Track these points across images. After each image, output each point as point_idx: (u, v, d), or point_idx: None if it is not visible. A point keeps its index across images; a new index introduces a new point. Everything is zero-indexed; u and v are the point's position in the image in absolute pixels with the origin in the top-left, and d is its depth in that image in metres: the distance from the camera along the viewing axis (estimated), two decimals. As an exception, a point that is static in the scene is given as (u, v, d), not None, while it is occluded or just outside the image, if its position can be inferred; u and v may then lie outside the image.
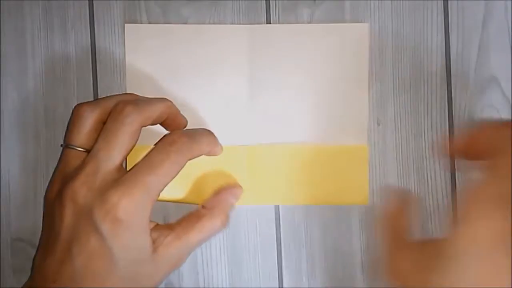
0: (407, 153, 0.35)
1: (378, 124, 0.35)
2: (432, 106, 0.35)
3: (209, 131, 0.32)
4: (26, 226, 0.35)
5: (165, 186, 0.29)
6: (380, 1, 0.35)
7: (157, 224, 0.30)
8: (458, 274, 0.21)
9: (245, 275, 0.35)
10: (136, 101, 0.30)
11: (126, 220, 0.28)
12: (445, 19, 0.35)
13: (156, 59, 0.34)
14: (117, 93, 0.34)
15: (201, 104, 0.34)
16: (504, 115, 0.34)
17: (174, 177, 0.29)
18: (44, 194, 0.31)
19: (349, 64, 0.34)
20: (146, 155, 0.29)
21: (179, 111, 0.32)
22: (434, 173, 0.35)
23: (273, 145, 0.34)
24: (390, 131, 0.35)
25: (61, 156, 0.31)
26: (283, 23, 0.35)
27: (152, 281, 0.30)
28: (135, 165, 0.29)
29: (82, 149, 0.30)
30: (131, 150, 0.30)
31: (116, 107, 0.30)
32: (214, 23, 0.35)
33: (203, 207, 0.32)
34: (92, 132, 0.30)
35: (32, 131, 0.35)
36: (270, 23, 0.35)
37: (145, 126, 0.30)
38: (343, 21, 0.35)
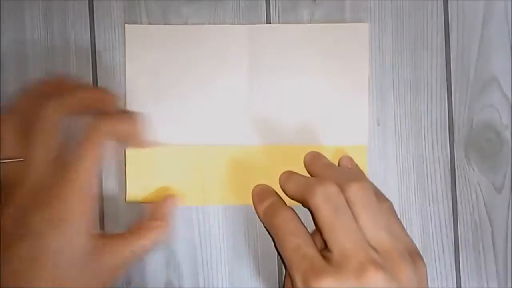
0: (407, 153, 0.35)
1: (378, 124, 0.35)
2: (432, 106, 0.35)
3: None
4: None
5: (94, 177, 0.29)
6: (380, 1, 0.35)
7: (101, 233, 0.31)
8: None
9: (245, 275, 0.35)
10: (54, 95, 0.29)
11: (65, 220, 0.27)
12: (445, 19, 0.35)
13: (156, 60, 0.34)
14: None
15: (200, 104, 0.34)
16: (504, 115, 0.34)
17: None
18: None
19: (349, 64, 0.34)
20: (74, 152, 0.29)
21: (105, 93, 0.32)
22: (434, 173, 0.35)
23: (271, 145, 0.34)
24: (390, 131, 0.35)
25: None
26: (283, 23, 0.35)
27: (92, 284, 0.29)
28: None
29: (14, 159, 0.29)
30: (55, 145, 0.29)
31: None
32: (214, 23, 0.35)
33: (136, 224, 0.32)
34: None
35: (32, 131, 0.35)
36: (270, 23, 0.35)
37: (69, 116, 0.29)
38: (343, 21, 0.35)
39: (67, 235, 0.28)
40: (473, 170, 0.35)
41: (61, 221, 0.27)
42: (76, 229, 0.28)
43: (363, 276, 0.26)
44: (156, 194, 0.34)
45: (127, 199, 0.34)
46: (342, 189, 0.28)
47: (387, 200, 0.31)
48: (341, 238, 0.27)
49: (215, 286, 0.35)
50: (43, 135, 0.29)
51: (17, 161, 0.29)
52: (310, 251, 0.27)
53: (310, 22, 0.35)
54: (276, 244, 0.29)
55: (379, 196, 0.31)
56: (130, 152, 0.34)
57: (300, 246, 0.28)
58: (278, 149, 0.34)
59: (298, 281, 0.27)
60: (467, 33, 0.35)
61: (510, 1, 0.35)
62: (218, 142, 0.34)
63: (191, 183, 0.34)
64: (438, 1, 0.35)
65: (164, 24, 0.35)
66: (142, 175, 0.34)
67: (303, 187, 0.29)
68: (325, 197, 0.28)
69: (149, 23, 0.35)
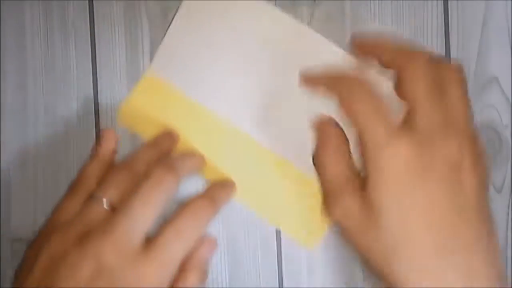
0: (407, 153, 0.35)
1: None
2: (432, 106, 0.35)
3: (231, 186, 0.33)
4: (26, 226, 0.35)
5: (187, 252, 0.29)
6: (380, 1, 0.35)
7: None
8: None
9: (245, 275, 0.35)
10: (173, 164, 0.30)
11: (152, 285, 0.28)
12: (445, 19, 0.35)
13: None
14: (144, 149, 0.33)
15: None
16: (504, 115, 0.34)
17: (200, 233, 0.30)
18: (41, 227, 0.30)
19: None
20: (173, 221, 0.29)
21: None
22: (434, 173, 0.35)
23: (278, 156, 0.34)
24: (390, 131, 0.35)
25: (82, 206, 0.30)
26: (283, 23, 0.35)
27: None
28: (162, 231, 0.29)
29: (106, 206, 0.29)
30: (159, 215, 0.29)
31: (157, 172, 0.29)
32: (214, 23, 0.35)
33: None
34: (123, 190, 0.30)
35: (32, 131, 0.35)
36: (270, 23, 0.35)
37: None
38: (343, 21, 0.35)
39: None
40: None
41: (152, 285, 0.28)
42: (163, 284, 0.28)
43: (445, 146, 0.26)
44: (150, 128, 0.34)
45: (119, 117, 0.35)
46: (438, 67, 0.27)
47: None
48: (431, 113, 0.26)
49: (215, 286, 0.35)
50: (159, 202, 0.29)
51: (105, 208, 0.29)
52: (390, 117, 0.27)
53: (310, 22, 0.35)
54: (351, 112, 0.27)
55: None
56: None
57: (380, 107, 0.27)
58: (284, 164, 0.34)
59: (378, 136, 0.26)
60: (467, 33, 0.35)
61: (510, 1, 0.35)
62: (233, 121, 0.34)
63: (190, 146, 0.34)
64: (438, 1, 0.35)
65: (164, 23, 0.35)
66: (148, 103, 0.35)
67: (402, 53, 0.28)
68: (426, 69, 0.27)
69: (149, 23, 0.35)
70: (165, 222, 0.29)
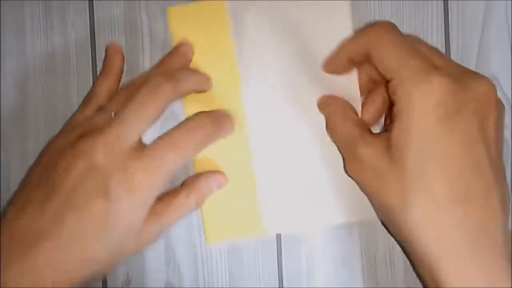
0: (407, 153, 0.35)
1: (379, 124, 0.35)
2: (432, 106, 0.35)
3: (227, 112, 0.32)
4: (26, 226, 0.35)
5: (182, 165, 0.30)
6: (380, 1, 0.35)
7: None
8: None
9: (245, 275, 0.35)
10: (173, 74, 0.31)
11: (138, 192, 0.28)
12: (445, 19, 0.35)
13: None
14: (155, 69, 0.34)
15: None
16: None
17: (195, 156, 0.30)
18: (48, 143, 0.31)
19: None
20: (170, 132, 0.30)
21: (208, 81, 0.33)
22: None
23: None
24: (390, 131, 0.35)
25: (90, 116, 0.31)
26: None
27: (127, 254, 0.30)
28: (157, 140, 0.29)
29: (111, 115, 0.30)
30: (154, 122, 0.30)
31: (154, 80, 0.30)
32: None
33: (182, 184, 0.33)
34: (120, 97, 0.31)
35: (32, 130, 0.35)
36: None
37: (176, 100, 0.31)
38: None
39: (139, 202, 0.29)
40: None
41: (140, 189, 0.28)
42: (149, 198, 0.29)
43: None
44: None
45: None
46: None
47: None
48: (452, 63, 0.29)
49: (215, 286, 0.35)
50: (155, 109, 0.30)
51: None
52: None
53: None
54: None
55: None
56: None
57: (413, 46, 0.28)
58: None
59: (413, 75, 0.26)
60: (467, 33, 0.35)
61: (510, 1, 0.35)
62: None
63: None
64: (438, 1, 0.35)
65: (164, 23, 0.35)
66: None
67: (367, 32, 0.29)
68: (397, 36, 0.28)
69: (149, 23, 0.35)
70: (164, 133, 0.30)
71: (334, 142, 0.32)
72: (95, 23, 0.35)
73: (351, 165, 0.29)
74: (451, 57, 0.34)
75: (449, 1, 0.35)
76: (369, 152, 0.28)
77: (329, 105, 0.32)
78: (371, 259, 0.34)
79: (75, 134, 0.30)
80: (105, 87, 0.33)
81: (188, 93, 0.32)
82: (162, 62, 0.34)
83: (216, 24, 0.34)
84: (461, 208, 0.25)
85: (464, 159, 0.25)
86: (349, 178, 0.31)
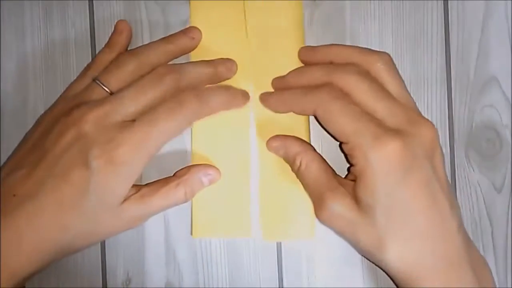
0: (407, 153, 0.35)
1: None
2: (432, 106, 0.35)
3: (225, 88, 0.33)
4: (26, 226, 0.35)
5: (165, 143, 0.30)
6: (380, 1, 0.35)
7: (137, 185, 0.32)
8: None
9: (245, 275, 0.35)
10: (180, 69, 0.32)
11: (120, 165, 0.29)
12: (445, 19, 0.35)
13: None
14: (158, 42, 0.34)
15: None
16: (504, 115, 0.34)
17: (178, 135, 0.31)
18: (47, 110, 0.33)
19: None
20: (155, 108, 0.30)
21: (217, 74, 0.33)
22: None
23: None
24: (390, 131, 0.35)
25: (86, 86, 0.32)
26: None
27: (102, 232, 0.31)
28: (142, 115, 0.30)
29: (108, 90, 0.31)
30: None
31: (160, 70, 0.31)
32: (214, 23, 0.35)
33: (174, 174, 0.33)
34: (125, 79, 0.32)
35: (32, 131, 0.35)
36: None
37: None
38: (343, 21, 0.35)
39: (120, 176, 0.29)
40: (473, 169, 0.35)
41: (121, 163, 0.29)
42: (130, 174, 0.30)
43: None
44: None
45: None
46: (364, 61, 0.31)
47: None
48: (392, 111, 0.30)
49: (215, 286, 0.35)
50: (152, 97, 0.30)
51: (106, 90, 0.31)
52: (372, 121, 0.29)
53: (310, 22, 0.35)
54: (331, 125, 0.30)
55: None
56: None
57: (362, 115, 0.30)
58: None
59: (368, 142, 0.29)
60: (467, 33, 0.35)
61: (510, 1, 0.35)
62: None
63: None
64: (438, 1, 0.35)
65: (164, 23, 0.35)
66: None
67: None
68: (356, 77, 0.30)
69: (149, 23, 0.35)
70: (150, 109, 0.30)
71: (304, 185, 0.32)
72: (95, 23, 0.35)
73: (323, 214, 0.30)
74: (451, 57, 0.35)
75: (449, 1, 0.35)
76: (339, 206, 0.30)
77: (291, 145, 0.32)
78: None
79: (71, 104, 0.31)
80: (106, 59, 0.33)
81: (190, 86, 0.32)
82: (168, 39, 0.34)
83: (234, 21, 0.34)
84: (425, 239, 0.29)
85: (424, 199, 0.29)
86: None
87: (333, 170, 0.32)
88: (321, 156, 0.32)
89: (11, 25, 0.35)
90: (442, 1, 0.35)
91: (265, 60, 0.34)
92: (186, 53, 0.34)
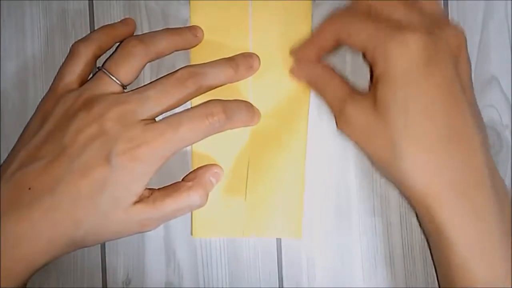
0: (407, 153, 0.35)
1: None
2: (432, 106, 0.35)
3: (248, 104, 0.33)
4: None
5: (182, 149, 0.31)
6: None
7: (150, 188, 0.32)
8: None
9: (245, 275, 0.35)
10: (201, 71, 0.32)
11: (139, 163, 0.29)
12: (445, 19, 0.35)
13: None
14: (164, 31, 0.34)
15: None
16: (504, 115, 0.34)
17: (196, 142, 0.31)
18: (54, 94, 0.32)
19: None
20: (181, 113, 0.30)
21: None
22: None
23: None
24: (390, 131, 0.35)
25: (94, 76, 0.32)
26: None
27: (114, 229, 0.31)
28: (167, 117, 0.30)
29: (119, 82, 0.31)
30: (171, 110, 0.31)
31: (183, 73, 0.31)
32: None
33: (183, 179, 0.33)
34: (133, 68, 0.32)
35: (32, 131, 0.35)
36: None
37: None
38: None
39: (137, 175, 0.30)
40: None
41: (140, 162, 0.29)
42: (146, 173, 0.30)
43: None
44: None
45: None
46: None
47: None
48: (418, 14, 0.29)
49: (215, 286, 0.35)
50: (171, 99, 0.31)
51: (118, 83, 0.32)
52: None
53: (311, 22, 0.35)
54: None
55: None
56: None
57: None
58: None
59: (386, 38, 0.28)
60: (467, 33, 0.34)
61: (510, 1, 0.35)
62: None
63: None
64: (438, 1, 0.35)
65: (164, 23, 0.35)
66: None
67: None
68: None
69: (149, 23, 0.35)
70: (176, 113, 0.31)
71: (324, 101, 0.32)
72: (95, 23, 0.35)
73: (342, 123, 0.30)
74: (451, 57, 0.35)
75: (449, 1, 0.35)
76: (358, 111, 0.29)
77: (311, 68, 0.32)
78: (371, 259, 0.34)
79: (85, 95, 0.31)
80: (99, 41, 0.33)
81: (210, 89, 0.32)
82: (175, 30, 0.34)
83: (236, 21, 0.34)
84: (445, 149, 0.27)
85: (445, 101, 0.27)
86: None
87: (343, 80, 0.32)
88: (339, 74, 0.32)
89: (11, 25, 0.35)
90: (442, 1, 0.35)
91: (265, 61, 0.34)
92: (187, 49, 0.34)
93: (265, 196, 0.34)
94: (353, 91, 0.31)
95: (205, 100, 0.31)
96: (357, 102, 0.30)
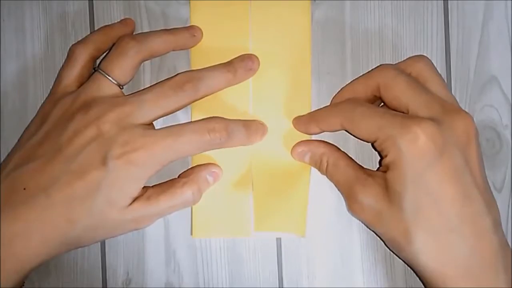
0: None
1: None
2: (432, 106, 0.35)
3: (246, 125, 0.33)
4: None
5: (177, 159, 0.31)
6: (380, 1, 0.35)
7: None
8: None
9: (245, 275, 0.35)
10: (199, 75, 0.32)
11: (135, 167, 0.29)
12: (445, 19, 0.35)
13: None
14: (160, 31, 0.34)
15: None
16: (504, 115, 0.34)
17: (193, 155, 0.32)
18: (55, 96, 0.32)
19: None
20: (184, 125, 0.31)
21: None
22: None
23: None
24: (390, 131, 0.35)
25: (90, 77, 0.32)
26: (283, 23, 0.35)
27: (109, 228, 0.31)
28: (169, 127, 0.31)
29: (115, 82, 0.32)
30: (168, 114, 0.32)
31: (181, 77, 0.31)
32: (214, 23, 0.35)
33: (179, 176, 0.33)
34: (128, 66, 0.32)
35: (32, 131, 0.35)
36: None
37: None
38: (343, 21, 0.35)
39: (132, 178, 0.30)
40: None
41: (136, 165, 0.29)
42: (142, 176, 0.30)
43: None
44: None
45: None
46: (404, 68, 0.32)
47: None
48: (427, 102, 0.29)
49: (215, 286, 0.35)
50: (168, 103, 0.31)
51: (114, 83, 0.32)
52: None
53: (310, 22, 0.35)
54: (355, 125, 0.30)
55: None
56: None
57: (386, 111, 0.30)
58: None
59: (396, 131, 0.28)
60: (467, 33, 0.35)
61: (510, 1, 0.35)
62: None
63: None
64: (438, 1, 0.35)
65: (164, 23, 0.35)
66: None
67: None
68: (397, 74, 0.30)
69: (149, 23, 0.35)
70: (179, 124, 0.31)
71: (335, 184, 0.32)
72: (95, 24, 0.35)
73: (353, 207, 0.31)
74: (451, 57, 0.35)
75: (449, 1, 0.35)
76: (369, 198, 0.30)
77: (316, 148, 0.33)
78: (371, 259, 0.34)
79: (82, 97, 0.31)
80: (97, 42, 0.33)
81: (209, 94, 0.32)
82: (170, 30, 0.34)
83: (236, 21, 0.34)
84: (457, 235, 0.28)
85: (454, 192, 0.28)
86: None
87: (360, 165, 0.32)
88: (346, 154, 0.32)
89: (11, 25, 0.35)
90: (442, 1, 0.35)
91: (265, 61, 0.34)
92: (185, 49, 0.34)
93: (271, 195, 0.34)
94: (361, 174, 0.31)
95: (207, 109, 0.32)
96: (368, 188, 0.30)
